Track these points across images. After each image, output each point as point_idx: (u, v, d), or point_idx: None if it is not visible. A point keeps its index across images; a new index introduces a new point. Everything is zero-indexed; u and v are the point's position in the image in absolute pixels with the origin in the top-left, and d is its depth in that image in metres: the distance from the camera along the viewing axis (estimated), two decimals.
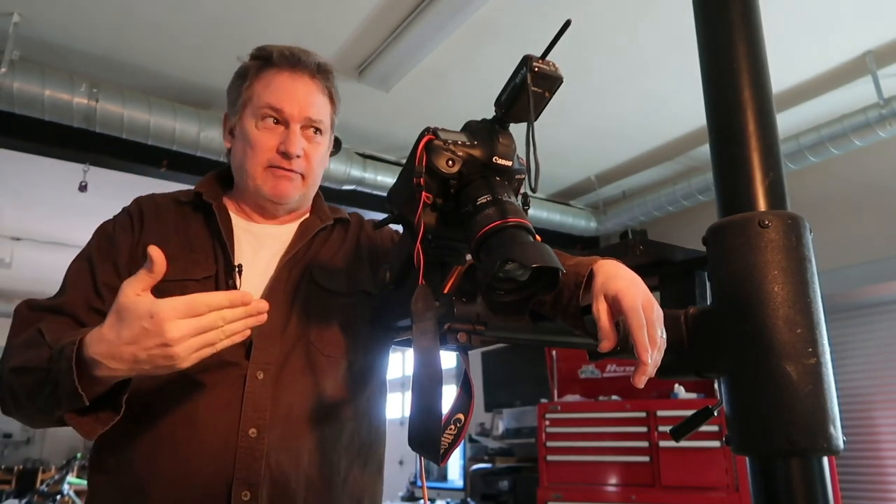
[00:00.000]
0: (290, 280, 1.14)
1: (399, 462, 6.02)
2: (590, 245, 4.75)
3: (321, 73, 1.20)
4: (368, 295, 1.18)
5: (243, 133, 1.17)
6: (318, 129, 1.18)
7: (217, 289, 1.09)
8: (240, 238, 1.17)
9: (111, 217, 1.21)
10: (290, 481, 1.03)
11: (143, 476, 1.01)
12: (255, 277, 1.12)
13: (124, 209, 1.21)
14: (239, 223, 1.19)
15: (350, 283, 1.19)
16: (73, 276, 1.11)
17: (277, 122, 1.15)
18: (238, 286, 1.10)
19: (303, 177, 1.18)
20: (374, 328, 1.14)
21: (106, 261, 1.12)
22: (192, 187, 1.25)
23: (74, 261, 1.14)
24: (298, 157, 1.15)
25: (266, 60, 1.18)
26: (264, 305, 0.89)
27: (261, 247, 1.17)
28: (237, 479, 0.99)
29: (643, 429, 3.22)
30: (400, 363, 7.15)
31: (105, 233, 1.17)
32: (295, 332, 1.11)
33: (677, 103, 3.36)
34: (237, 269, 1.12)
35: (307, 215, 1.26)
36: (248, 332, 0.91)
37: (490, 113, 0.77)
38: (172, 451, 1.01)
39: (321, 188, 1.29)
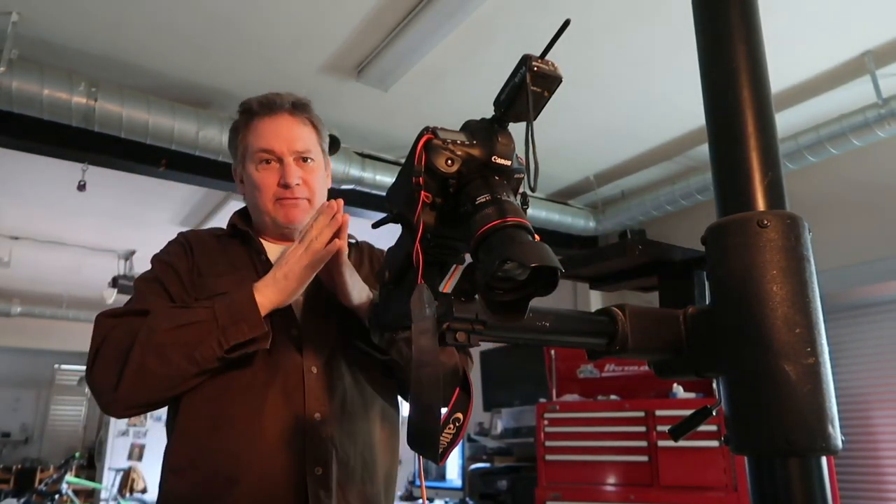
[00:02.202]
0: (322, 290, 1.27)
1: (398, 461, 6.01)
2: (588, 244, 4.75)
3: (298, 108, 1.37)
4: None
5: (249, 179, 1.36)
6: (308, 157, 1.35)
7: None
8: (273, 257, 1.34)
9: (160, 250, 1.41)
10: (350, 460, 1.22)
11: (226, 465, 1.16)
12: None
13: (173, 242, 1.41)
14: (269, 247, 1.38)
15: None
16: (147, 292, 1.28)
17: (272, 161, 1.33)
18: None
19: (308, 200, 1.36)
20: (373, 328, 1.16)
21: (173, 279, 1.30)
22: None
23: (141, 282, 1.32)
24: (298, 184, 1.33)
25: (249, 112, 1.37)
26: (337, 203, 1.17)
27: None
28: (309, 458, 1.17)
29: (642, 428, 3.22)
30: None
31: (163, 261, 1.35)
32: (334, 333, 1.29)
33: (676, 103, 3.37)
34: None
35: None
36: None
37: (489, 112, 0.77)
38: (250, 439, 1.17)
39: None
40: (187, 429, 1.19)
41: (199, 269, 1.33)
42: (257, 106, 1.36)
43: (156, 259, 1.37)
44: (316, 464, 1.17)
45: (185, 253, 1.35)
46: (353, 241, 1.46)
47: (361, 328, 1.27)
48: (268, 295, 1.16)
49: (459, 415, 0.81)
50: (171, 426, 1.26)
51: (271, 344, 1.19)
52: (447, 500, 4.99)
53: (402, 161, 0.78)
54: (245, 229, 1.38)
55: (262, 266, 1.32)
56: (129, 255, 6.17)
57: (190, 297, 1.28)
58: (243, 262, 1.35)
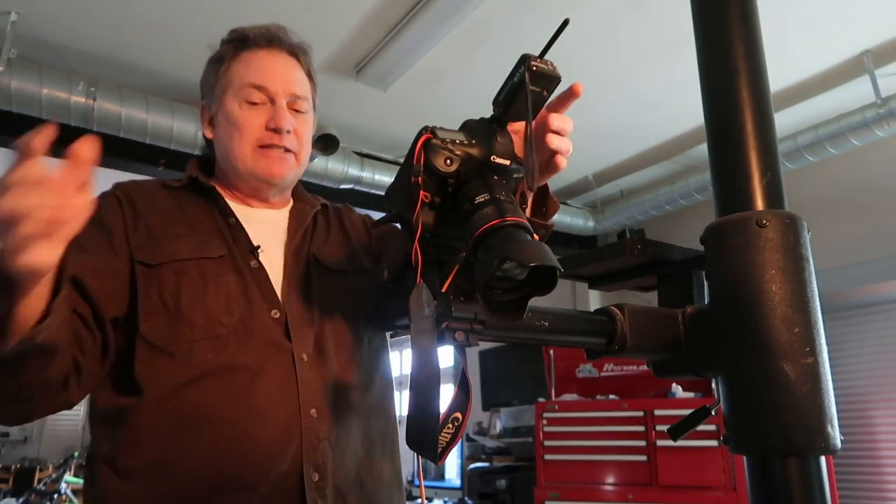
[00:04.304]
0: (299, 265, 1.13)
1: None
2: (588, 244, 4.75)
3: (299, 52, 1.20)
4: (369, 272, 1.20)
5: (227, 117, 1.13)
6: (303, 107, 1.16)
7: (236, 268, 1.07)
8: (244, 220, 1.13)
9: None
10: (346, 458, 1.05)
11: (205, 471, 0.94)
12: (267, 261, 1.11)
13: (106, 195, 1.10)
14: (236, 207, 1.15)
15: (350, 261, 1.20)
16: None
17: (263, 101, 1.12)
18: (263, 266, 1.10)
19: (295, 156, 1.15)
20: (372, 327, 1.15)
21: (99, 241, 1.02)
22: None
23: None
24: (289, 132, 1.12)
25: (242, 41, 1.18)
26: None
27: (261, 231, 1.13)
28: (306, 461, 0.99)
29: (641, 428, 3.22)
30: (398, 362, 7.15)
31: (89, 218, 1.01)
32: (319, 313, 1.10)
33: (675, 102, 3.37)
34: (258, 249, 1.10)
35: (291, 202, 1.24)
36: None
37: (488, 112, 0.77)
38: (237, 441, 0.96)
39: (320, 187, 1.34)
40: (147, 425, 0.96)
41: (148, 228, 1.06)
42: (255, 35, 1.17)
43: None
44: (313, 469, 0.99)
45: (119, 208, 1.08)
46: (324, 204, 1.28)
47: (348, 287, 1.13)
48: None
49: (458, 414, 0.80)
50: (109, 418, 0.99)
51: (254, 327, 1.02)
52: (446, 499, 4.99)
53: (401, 160, 0.78)
54: (209, 183, 1.14)
55: (232, 232, 1.11)
56: None
57: (122, 261, 1.02)
58: (205, 225, 1.11)
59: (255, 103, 1.12)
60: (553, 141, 0.88)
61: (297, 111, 1.15)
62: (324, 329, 1.10)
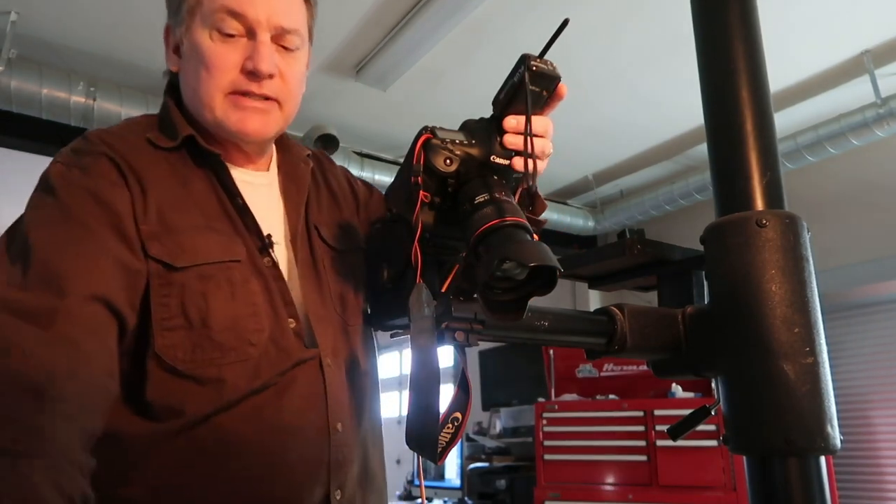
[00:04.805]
0: (304, 246, 0.96)
1: (396, 461, 6.01)
2: (587, 244, 4.75)
3: None
4: (363, 251, 1.05)
5: (194, 49, 0.89)
6: (291, 42, 0.91)
7: (255, 270, 0.88)
8: (245, 192, 0.92)
9: (64, 161, 0.84)
10: (362, 471, 0.94)
11: (230, 500, 0.81)
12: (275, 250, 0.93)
13: (91, 153, 0.84)
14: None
15: (348, 238, 1.03)
16: (68, 252, 0.75)
17: (238, 32, 0.88)
18: (277, 263, 0.91)
19: (279, 105, 0.92)
20: (372, 327, 1.13)
21: (111, 231, 0.79)
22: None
23: (40, 228, 0.77)
24: (271, 76, 0.89)
25: None
26: None
27: (255, 204, 0.92)
28: (332, 483, 0.87)
29: (640, 428, 3.22)
30: (397, 362, 7.15)
31: (85, 189, 0.80)
32: (330, 303, 0.95)
33: (675, 102, 3.36)
34: (271, 242, 0.91)
35: (275, 154, 1.03)
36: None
37: (488, 112, 0.77)
38: (265, 467, 0.82)
39: None
40: (156, 452, 0.80)
41: (160, 211, 0.83)
42: None
43: (64, 182, 0.80)
44: (337, 487, 0.88)
45: (121, 178, 0.83)
46: (309, 154, 1.09)
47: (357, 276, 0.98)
48: None
49: (458, 414, 0.80)
50: (99, 442, 0.74)
51: (282, 341, 0.87)
52: (446, 499, 4.98)
53: (401, 160, 0.78)
54: (212, 149, 0.90)
55: (242, 218, 0.90)
56: None
57: (140, 259, 0.80)
58: (213, 207, 0.89)
59: (230, 35, 0.87)
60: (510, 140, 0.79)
61: (284, 48, 0.91)
62: (334, 319, 0.95)
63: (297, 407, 0.86)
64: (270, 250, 0.90)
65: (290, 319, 0.89)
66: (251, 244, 0.89)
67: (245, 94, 0.89)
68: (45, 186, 0.82)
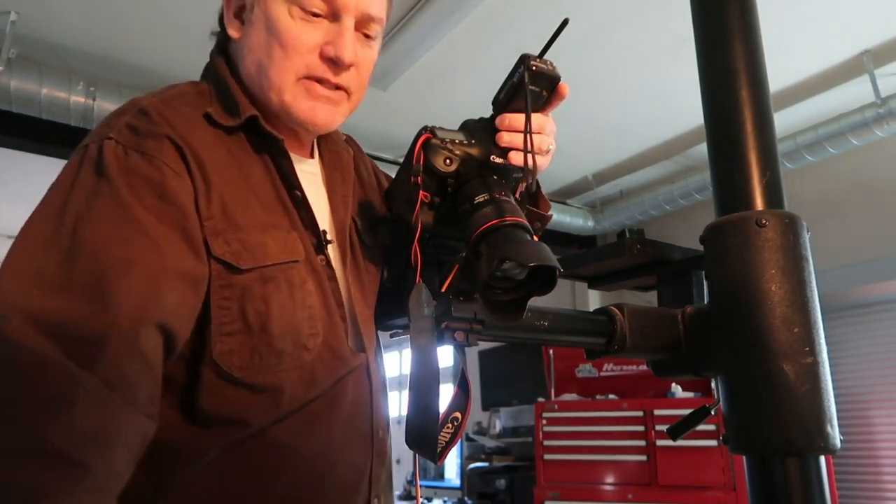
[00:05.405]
0: (346, 241, 0.90)
1: (396, 461, 6.01)
2: (587, 244, 4.75)
3: None
4: (384, 248, 1.00)
5: (268, 21, 0.81)
6: (374, 33, 0.88)
7: (311, 269, 0.83)
8: (306, 185, 0.86)
9: (111, 135, 0.74)
10: (390, 473, 0.94)
11: None
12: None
13: (151, 132, 0.75)
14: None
15: (377, 233, 0.98)
16: (122, 260, 0.66)
17: (324, 13, 0.82)
18: (331, 261, 0.87)
19: (349, 94, 0.87)
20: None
21: (176, 233, 0.72)
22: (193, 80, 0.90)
23: (93, 224, 0.68)
24: (351, 66, 0.84)
25: None
26: None
27: (310, 194, 0.87)
28: (372, 492, 0.86)
29: (640, 428, 3.22)
30: (397, 362, 7.15)
31: (144, 180, 0.71)
32: (371, 302, 0.92)
33: (675, 102, 3.36)
34: (327, 239, 0.86)
35: (315, 141, 0.98)
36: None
37: (488, 111, 0.77)
38: (315, 482, 0.80)
39: None
40: (208, 462, 0.75)
41: (222, 202, 0.76)
42: None
43: (122, 169, 0.71)
44: (375, 495, 0.86)
45: (184, 166, 0.75)
46: (347, 138, 1.05)
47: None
48: None
49: (458, 414, 0.80)
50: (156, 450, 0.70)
51: (335, 345, 0.83)
52: (445, 499, 4.98)
53: (401, 160, 0.78)
54: (276, 134, 0.83)
55: (298, 208, 0.84)
56: None
57: (203, 263, 0.73)
58: (268, 197, 0.82)
59: (313, 13, 0.81)
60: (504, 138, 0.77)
61: (367, 36, 0.87)
62: (373, 323, 0.92)
63: (347, 415, 0.82)
64: (326, 248, 0.86)
65: (344, 316, 0.85)
66: (307, 241, 0.84)
67: (319, 80, 0.83)
68: (98, 167, 0.72)
